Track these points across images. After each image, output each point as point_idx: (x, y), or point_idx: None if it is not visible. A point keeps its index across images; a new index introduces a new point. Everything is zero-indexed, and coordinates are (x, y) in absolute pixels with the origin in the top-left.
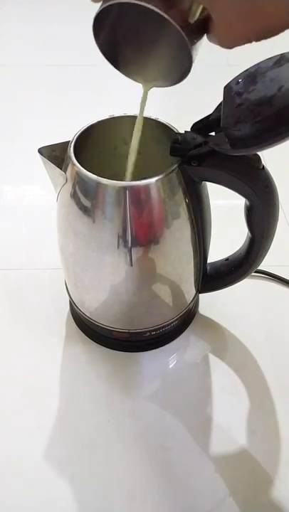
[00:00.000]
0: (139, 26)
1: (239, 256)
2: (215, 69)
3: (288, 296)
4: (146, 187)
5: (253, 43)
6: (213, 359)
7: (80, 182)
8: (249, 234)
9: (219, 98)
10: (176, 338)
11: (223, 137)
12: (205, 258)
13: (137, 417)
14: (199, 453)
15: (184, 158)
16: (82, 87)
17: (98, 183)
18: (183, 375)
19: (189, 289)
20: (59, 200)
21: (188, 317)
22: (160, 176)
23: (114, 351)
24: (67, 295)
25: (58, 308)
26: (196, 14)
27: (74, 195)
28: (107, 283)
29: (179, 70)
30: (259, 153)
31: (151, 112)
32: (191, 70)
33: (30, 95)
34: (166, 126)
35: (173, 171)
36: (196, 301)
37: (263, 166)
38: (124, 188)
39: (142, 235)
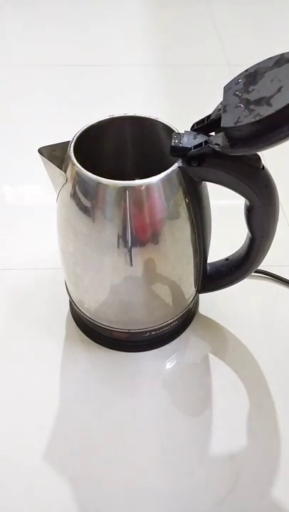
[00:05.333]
0: None
1: (239, 256)
2: (215, 69)
3: (288, 296)
4: (147, 187)
5: (253, 42)
6: (213, 359)
7: (80, 182)
8: (249, 234)
9: (219, 98)
10: (176, 338)
11: (223, 137)
12: (205, 258)
13: (137, 417)
14: (199, 453)
15: (184, 158)
16: (83, 87)
17: (98, 183)
18: (183, 375)
19: (189, 289)
20: (59, 200)
21: (188, 317)
22: (160, 176)
23: (114, 351)
24: (67, 295)
25: (58, 308)
26: None
27: (74, 195)
28: (107, 283)
29: None
30: (259, 153)
31: (151, 112)
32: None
33: (30, 95)
34: (166, 126)
35: (173, 171)
36: (196, 301)
37: (263, 166)
38: (124, 188)
39: (141, 235)
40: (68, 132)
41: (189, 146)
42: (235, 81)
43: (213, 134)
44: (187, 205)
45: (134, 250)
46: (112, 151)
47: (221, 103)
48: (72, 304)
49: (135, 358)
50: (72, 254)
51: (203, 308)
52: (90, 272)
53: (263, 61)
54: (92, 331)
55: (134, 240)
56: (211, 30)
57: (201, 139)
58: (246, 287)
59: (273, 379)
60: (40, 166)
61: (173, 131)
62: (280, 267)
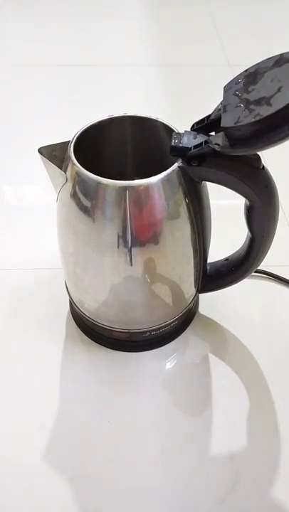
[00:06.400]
0: None
1: (239, 256)
2: (215, 69)
3: (288, 296)
4: (146, 187)
5: (253, 42)
6: (213, 359)
7: (80, 182)
8: (249, 234)
9: (219, 98)
10: (176, 338)
11: (223, 137)
12: (205, 258)
13: (137, 417)
14: (199, 453)
15: (184, 158)
16: (82, 87)
17: (98, 183)
18: (183, 375)
19: (189, 289)
20: (59, 200)
21: (188, 317)
22: (160, 176)
23: (114, 351)
24: (67, 295)
25: (58, 308)
26: None
27: (74, 195)
28: (107, 283)
29: None
30: (259, 153)
31: (151, 112)
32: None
33: (30, 95)
34: (166, 126)
35: (173, 170)
36: (196, 301)
37: (263, 166)
38: (124, 188)
39: (141, 235)
40: (68, 132)
41: (189, 146)
42: (235, 81)
43: (213, 134)
44: (187, 205)
45: (134, 250)
46: (112, 151)
47: (221, 103)
48: (72, 303)
49: (135, 358)
50: (72, 254)
51: (203, 308)
52: (90, 272)
53: (262, 61)
54: (92, 331)
55: (134, 240)
56: (211, 30)
57: (201, 138)
58: (246, 287)
59: (273, 379)
60: (40, 166)
61: (173, 131)
62: (280, 267)
